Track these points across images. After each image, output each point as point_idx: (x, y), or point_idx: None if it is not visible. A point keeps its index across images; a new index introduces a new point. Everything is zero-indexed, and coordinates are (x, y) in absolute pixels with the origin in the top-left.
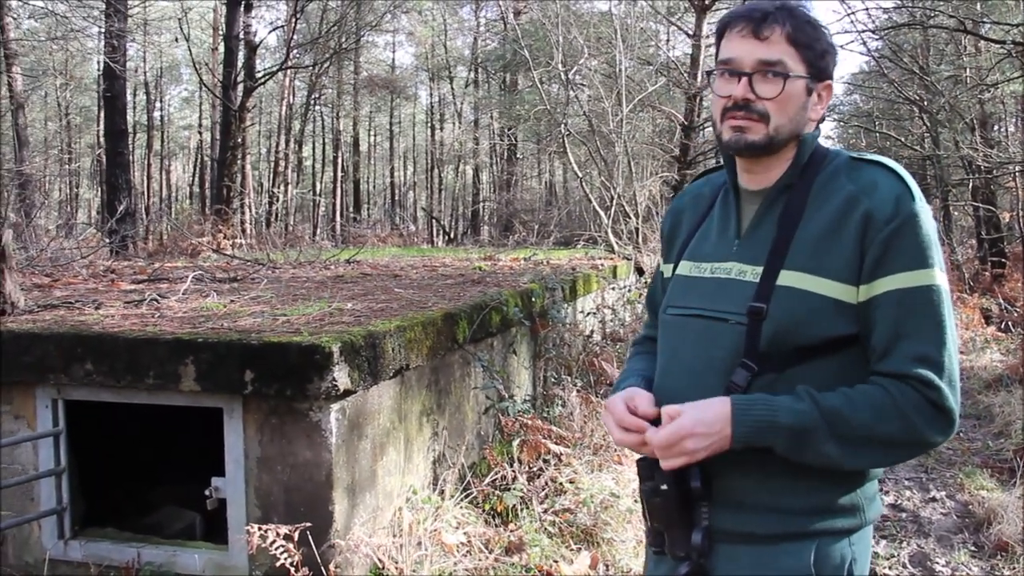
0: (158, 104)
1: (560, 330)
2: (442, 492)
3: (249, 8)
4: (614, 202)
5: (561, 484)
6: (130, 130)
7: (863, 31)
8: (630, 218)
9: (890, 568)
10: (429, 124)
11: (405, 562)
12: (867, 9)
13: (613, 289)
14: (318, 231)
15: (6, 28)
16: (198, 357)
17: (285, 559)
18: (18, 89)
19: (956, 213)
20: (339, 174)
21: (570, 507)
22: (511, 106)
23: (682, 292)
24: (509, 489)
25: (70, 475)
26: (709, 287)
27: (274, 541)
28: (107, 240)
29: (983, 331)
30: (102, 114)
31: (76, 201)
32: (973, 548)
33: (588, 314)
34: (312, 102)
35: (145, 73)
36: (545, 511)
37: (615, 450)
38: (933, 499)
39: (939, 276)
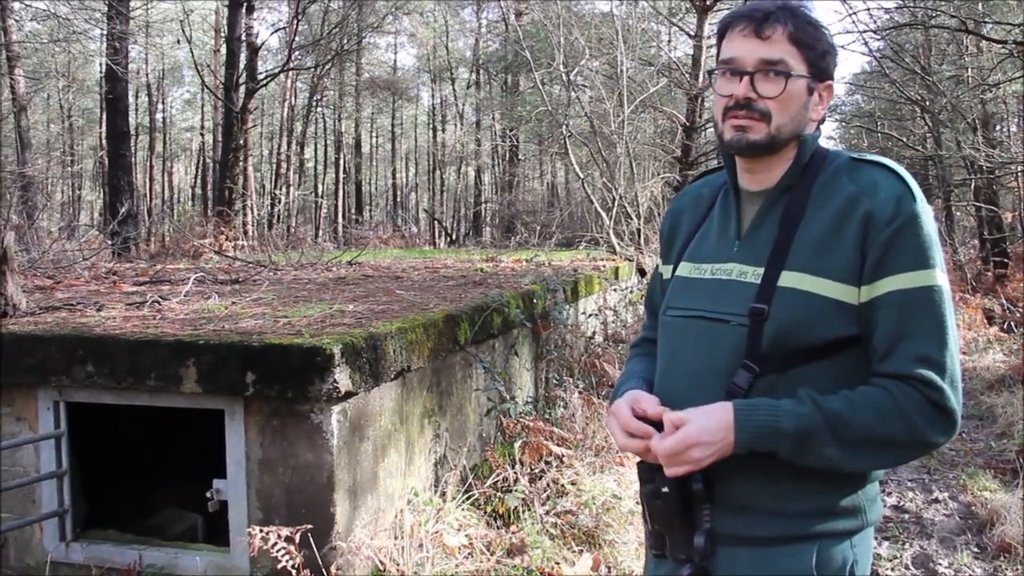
0: (160, 106)
1: (562, 331)
2: (444, 494)
3: (251, 10)
4: (616, 203)
5: (563, 486)
6: (132, 132)
7: (865, 31)
8: (632, 219)
9: (893, 569)
10: (431, 125)
11: (407, 564)
12: (868, 9)
13: (615, 290)
14: (320, 233)
15: (8, 30)
16: (199, 359)
17: (286, 561)
18: (20, 91)
19: (958, 213)
20: (341, 176)
21: (572, 509)
22: (513, 107)
23: (682, 293)
24: (511, 491)
25: (72, 477)
26: (710, 288)
27: (275, 543)
28: (109, 242)
29: (985, 331)
30: (104, 116)
31: (78, 203)
32: (976, 549)
33: (590, 315)
34: (314, 104)
35: (147, 75)
36: (547, 513)
37: (617, 452)
38: (936, 500)
39: (940, 276)
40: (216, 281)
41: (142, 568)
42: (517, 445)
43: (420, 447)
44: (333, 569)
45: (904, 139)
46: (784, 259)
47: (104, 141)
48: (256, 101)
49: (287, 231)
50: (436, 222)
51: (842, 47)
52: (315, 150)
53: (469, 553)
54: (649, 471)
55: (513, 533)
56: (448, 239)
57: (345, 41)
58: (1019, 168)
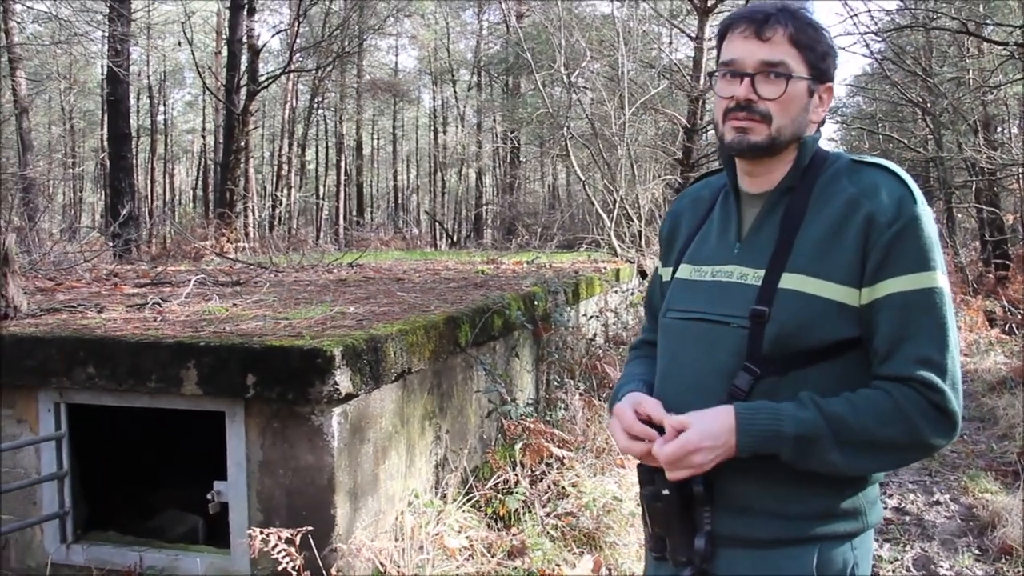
0: (161, 108)
1: (563, 333)
2: (444, 496)
3: (252, 12)
4: (617, 205)
5: (563, 488)
6: (133, 134)
7: (866, 33)
8: (633, 221)
9: (894, 572)
10: (432, 127)
11: (407, 566)
12: (869, 11)
13: (616, 292)
14: (321, 235)
15: (10, 32)
16: (200, 361)
17: (287, 563)
18: (22, 93)
19: (959, 215)
20: (342, 177)
21: (573, 511)
22: (514, 109)
23: (682, 295)
24: (511, 493)
25: (72, 479)
26: (710, 290)
27: (276, 545)
28: (110, 244)
29: (987, 333)
30: (105, 118)
31: (79, 205)
32: (977, 551)
33: (591, 317)
34: (315, 106)
35: (148, 77)
36: (547, 515)
37: (617, 454)
38: (937, 502)
39: (941, 278)
40: (217, 283)
41: (143, 570)
42: (518, 447)
43: (421, 449)
44: (334, 571)
45: (905, 141)
46: (785, 261)
47: (105, 143)
48: (257, 103)
49: (288, 233)
50: (437, 224)
51: (843, 49)
52: (316, 152)
53: (470, 555)
54: (649, 473)
55: (514, 535)
56: (449, 241)
57: (346, 43)
58: (1020, 170)
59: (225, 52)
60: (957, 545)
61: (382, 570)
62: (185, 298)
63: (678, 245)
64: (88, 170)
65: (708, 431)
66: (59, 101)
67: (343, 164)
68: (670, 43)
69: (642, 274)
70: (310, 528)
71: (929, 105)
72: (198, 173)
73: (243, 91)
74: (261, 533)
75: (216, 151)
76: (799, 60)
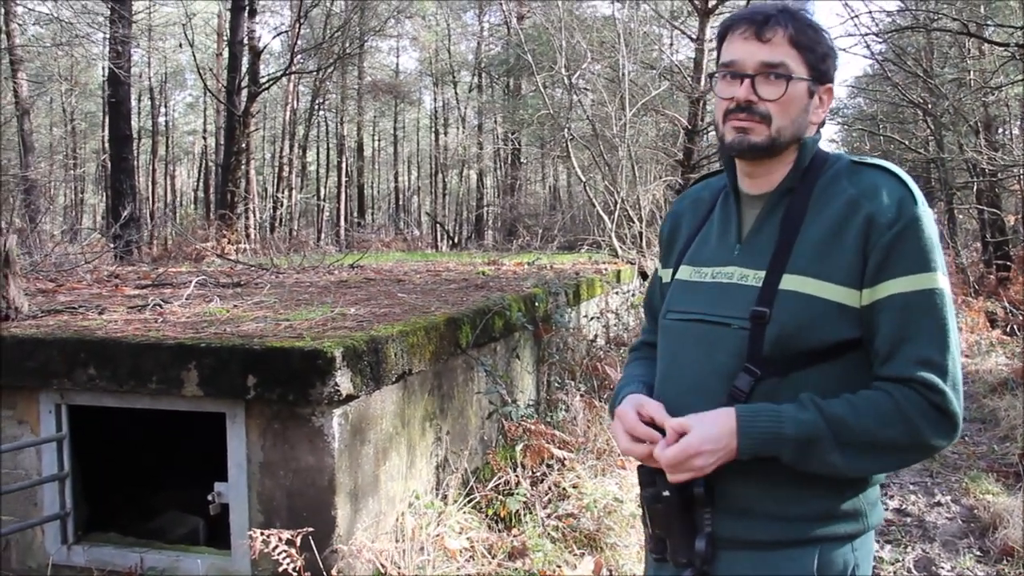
0: (163, 109)
1: (563, 335)
2: (445, 497)
3: (253, 13)
4: (618, 206)
5: (564, 489)
6: (135, 135)
7: (866, 34)
8: (634, 222)
9: (895, 573)
10: (433, 129)
11: (408, 567)
12: (870, 12)
13: (617, 293)
14: (322, 236)
15: (12, 34)
16: (201, 362)
17: (288, 564)
18: (23, 95)
19: (961, 216)
20: (343, 179)
21: (573, 512)
22: (515, 110)
23: (682, 297)
24: (512, 494)
25: (73, 480)
26: (710, 292)
27: (276, 546)
28: (111, 245)
29: (988, 334)
30: (107, 119)
31: (81, 206)
32: (978, 553)
33: (592, 319)
34: (316, 107)
35: (150, 78)
36: (548, 516)
37: (618, 455)
38: (938, 504)
39: (941, 279)
40: (218, 284)
41: (143, 571)
42: (518, 448)
43: (421, 450)
44: (334, 572)
45: (906, 142)
46: (785, 262)
47: (106, 145)
48: (258, 105)
49: (289, 234)
50: (438, 225)
51: (844, 50)
52: (317, 153)
53: (470, 556)
54: (650, 475)
55: (514, 536)
56: (450, 242)
57: (347, 45)
58: (1021, 171)
59: (226, 54)
60: (958, 546)
61: (383, 571)
62: (186, 299)
63: (678, 246)
64: (89, 172)
65: (709, 435)
66: (60, 103)
67: (344, 165)
68: (671, 44)
69: (643, 275)
70: (311, 529)
71: (930, 106)
72: (199, 175)
73: (244, 93)
74: (262, 534)
75: (217, 153)
76: (799, 61)
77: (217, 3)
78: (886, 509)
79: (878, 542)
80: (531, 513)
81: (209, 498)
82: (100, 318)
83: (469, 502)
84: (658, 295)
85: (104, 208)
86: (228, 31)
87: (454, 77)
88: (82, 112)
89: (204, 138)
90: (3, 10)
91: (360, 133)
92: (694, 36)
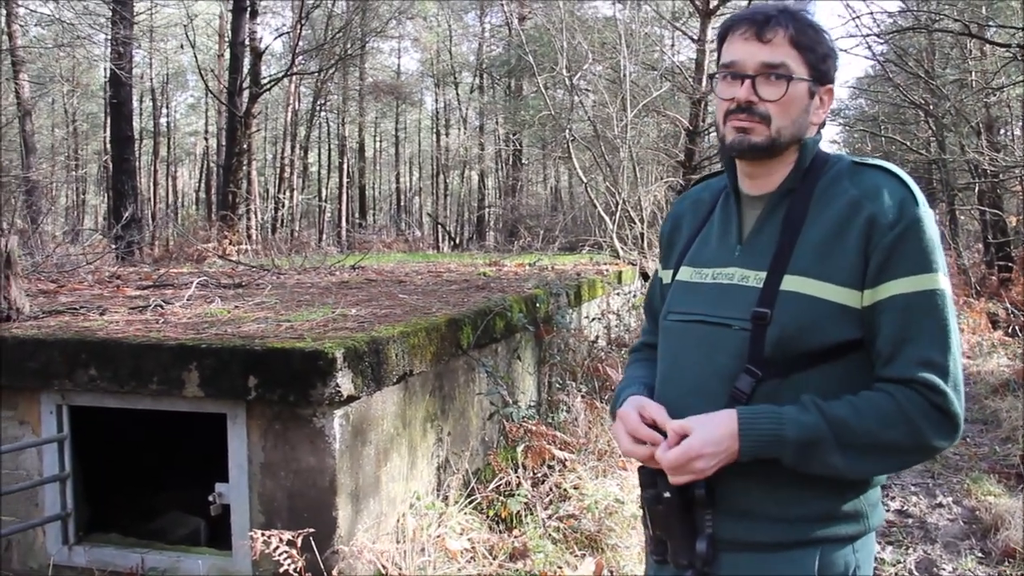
0: (164, 110)
1: (565, 336)
2: (446, 498)
3: (254, 15)
4: (619, 207)
5: (565, 490)
6: (136, 136)
7: (868, 35)
8: (635, 223)
9: (896, 574)
10: (434, 130)
11: (409, 568)
12: (872, 13)
13: (618, 295)
14: (323, 237)
15: (13, 35)
16: (201, 363)
17: (288, 565)
18: (25, 96)
19: (962, 217)
20: (345, 180)
21: (574, 513)
22: (516, 111)
23: (683, 298)
24: (513, 495)
25: (74, 481)
26: (711, 293)
27: (277, 547)
28: (113, 246)
29: (990, 335)
30: (108, 121)
31: (82, 207)
32: (980, 554)
33: (593, 320)
34: (318, 108)
35: (151, 80)
36: (549, 517)
37: (619, 456)
38: (940, 505)
39: (943, 280)
40: (219, 285)
41: (144, 571)
42: (520, 449)
43: (423, 451)
44: (335, 573)
45: (908, 143)
46: (786, 263)
47: (108, 145)
48: (260, 106)
49: (290, 235)
50: (440, 226)
51: (845, 51)
52: (319, 154)
53: (471, 557)
54: (651, 476)
55: (515, 537)
56: (451, 243)
57: (349, 46)
58: (1023, 172)
59: (227, 55)
60: (960, 548)
61: (384, 572)
62: (187, 300)
63: (678, 247)
64: (91, 173)
65: (710, 437)
66: (62, 104)
67: (345, 166)
68: (672, 45)
69: (644, 276)
70: (311, 530)
71: (932, 107)
72: (201, 176)
73: (245, 94)
74: (263, 535)
75: (219, 154)
76: (800, 62)
77: (218, 4)
78: (887, 510)
79: (879, 543)
80: (532, 514)
81: (210, 499)
82: (101, 319)
83: (470, 503)
84: (658, 296)
85: (106, 209)
86: (229, 32)
87: (455, 78)
88: (84, 113)
89: (206, 139)
90: (5, 11)
91: (361, 134)
92: (695, 37)
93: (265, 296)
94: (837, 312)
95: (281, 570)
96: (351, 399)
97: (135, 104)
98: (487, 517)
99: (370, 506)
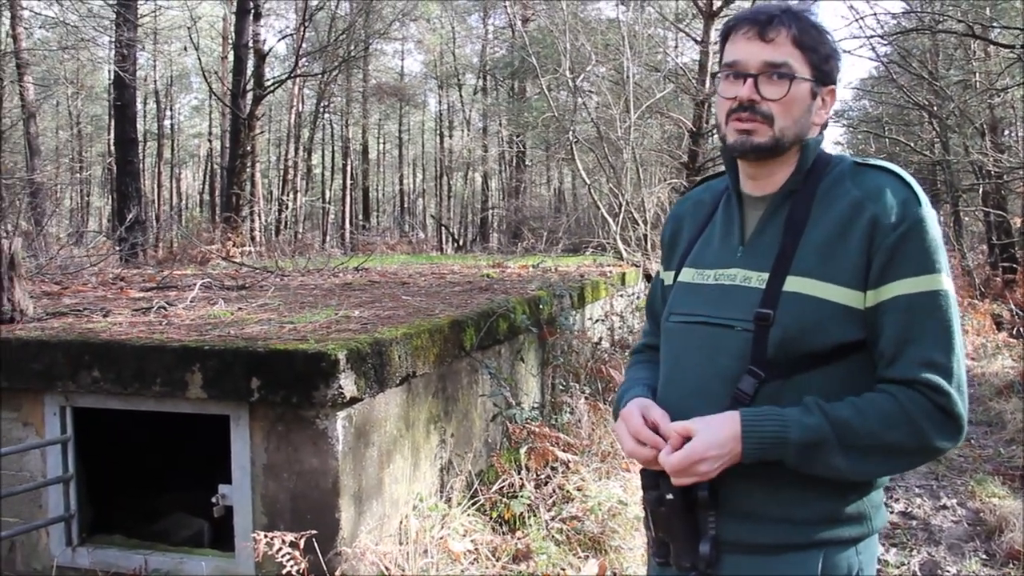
0: (168, 113)
1: (568, 337)
2: (449, 500)
3: (258, 17)
4: (622, 209)
5: (569, 491)
6: (140, 139)
7: (872, 36)
8: (638, 225)
9: None
10: (438, 131)
11: (411, 570)
12: (875, 14)
13: (621, 296)
14: (327, 239)
15: (18, 38)
16: (205, 364)
17: (291, 566)
18: (30, 98)
19: (967, 219)
20: (348, 182)
21: (578, 515)
22: (519, 113)
23: (685, 299)
24: (516, 496)
25: (78, 482)
26: (713, 294)
27: (280, 548)
28: (117, 248)
29: (994, 337)
30: (112, 123)
31: (87, 209)
32: (984, 556)
33: (596, 321)
34: (321, 110)
35: (155, 82)
36: (552, 519)
37: (623, 457)
38: (944, 507)
39: (946, 281)
40: (222, 287)
41: (148, 573)
42: (523, 451)
43: (426, 453)
44: (338, 574)
45: (912, 144)
46: (789, 264)
47: (112, 147)
48: (263, 107)
49: (294, 237)
50: (443, 228)
51: (849, 52)
52: (322, 156)
53: (474, 559)
54: (653, 478)
55: (519, 539)
56: (455, 245)
57: (352, 47)
58: None
59: (231, 57)
60: (964, 550)
61: (386, 573)
62: (190, 302)
63: (680, 248)
64: (95, 174)
65: (714, 440)
66: (66, 106)
67: (349, 168)
68: (675, 47)
69: (648, 278)
70: (314, 532)
71: (936, 108)
72: (205, 177)
73: (249, 96)
74: (265, 536)
75: (223, 155)
76: (802, 62)
77: (222, 6)
78: (891, 512)
79: (883, 545)
80: (535, 516)
81: (213, 500)
82: (105, 320)
83: (473, 504)
84: (660, 298)
85: (110, 211)
86: (233, 34)
87: (459, 80)
88: (88, 115)
89: (209, 141)
90: (9, 14)
91: (365, 136)
92: (698, 38)
93: (268, 298)
94: (840, 313)
95: (284, 572)
96: (354, 401)
97: (139, 106)
98: (490, 519)
99: (373, 508)
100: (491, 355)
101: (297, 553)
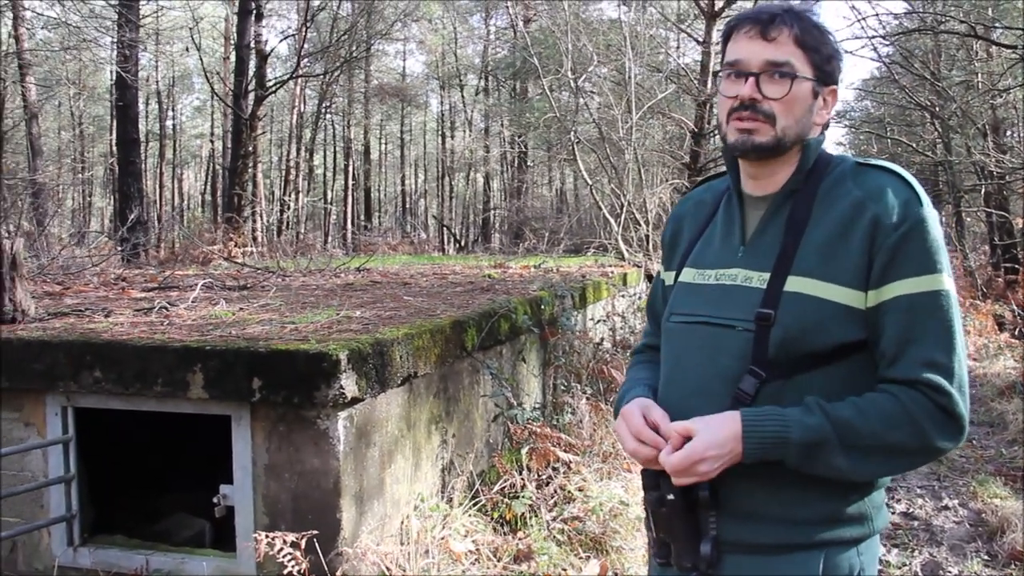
0: (170, 113)
1: (570, 338)
2: (450, 500)
3: (260, 17)
4: (624, 209)
5: (570, 492)
6: (142, 139)
7: (874, 37)
8: (640, 225)
9: None
10: (440, 132)
11: (413, 570)
12: (877, 15)
13: (623, 296)
14: (329, 239)
15: (20, 39)
16: (206, 364)
17: (292, 566)
18: (32, 99)
19: (969, 219)
20: (350, 182)
21: (579, 515)
22: (521, 114)
23: (686, 299)
24: (518, 497)
25: (79, 482)
26: (714, 294)
27: (281, 549)
28: (119, 248)
29: (996, 338)
30: (114, 123)
31: (89, 210)
32: (986, 557)
33: (598, 321)
34: (323, 110)
35: (157, 82)
36: (554, 519)
37: (624, 458)
38: (946, 507)
39: (947, 281)
40: (224, 287)
41: (149, 573)
42: (524, 451)
43: (427, 453)
44: (339, 575)
45: (914, 145)
46: (790, 264)
47: (114, 148)
48: (265, 108)
49: (296, 237)
50: (445, 228)
51: (851, 53)
52: (324, 157)
53: (476, 559)
54: (654, 478)
55: (520, 539)
56: (457, 245)
57: (354, 48)
58: None
59: (233, 57)
60: (966, 551)
61: (387, 574)
62: (192, 302)
63: (681, 249)
64: (97, 175)
65: (714, 439)
66: (68, 106)
67: (351, 169)
68: (677, 47)
69: (649, 278)
70: (315, 532)
71: (938, 109)
72: (206, 178)
73: (251, 96)
74: (267, 537)
75: (224, 156)
76: (804, 61)
77: (224, 7)
78: (893, 513)
79: (884, 546)
80: (536, 516)
81: (214, 500)
82: (106, 321)
83: (474, 505)
84: (660, 298)
85: (112, 211)
86: (235, 35)
87: (461, 80)
88: (90, 116)
89: (211, 141)
90: (11, 14)
91: (367, 136)
92: (700, 39)
93: (270, 298)
94: (841, 313)
95: (285, 572)
96: (355, 401)
97: (141, 107)
98: (491, 519)
99: (374, 508)
100: (493, 355)
101: (298, 553)
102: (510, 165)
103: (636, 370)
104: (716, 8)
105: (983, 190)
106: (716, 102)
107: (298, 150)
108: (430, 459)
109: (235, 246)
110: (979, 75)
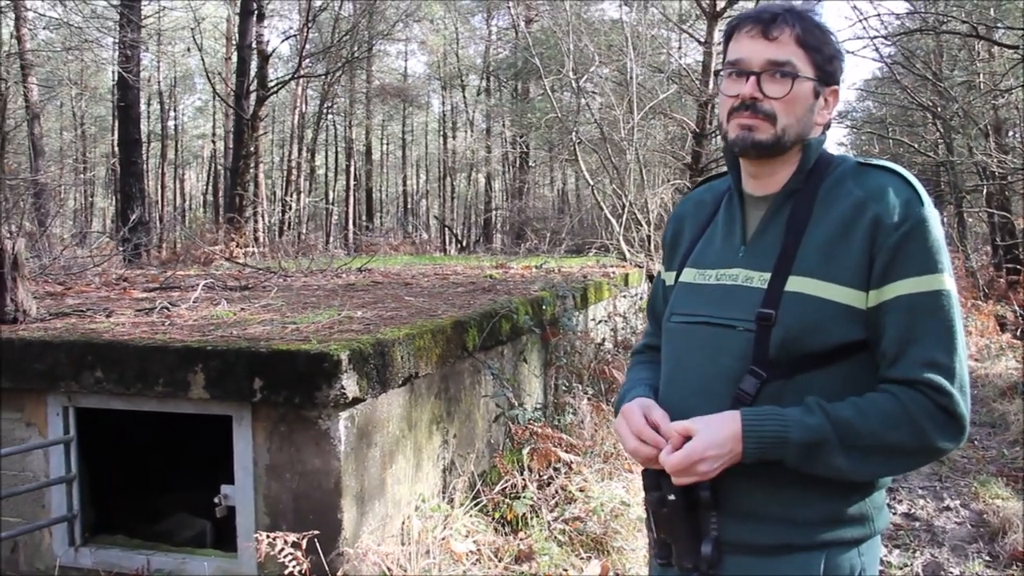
0: (172, 113)
1: (571, 338)
2: (452, 500)
3: (262, 18)
4: (626, 210)
5: (571, 492)
6: (144, 139)
7: (875, 37)
8: (642, 226)
9: None
10: (441, 132)
11: (414, 570)
12: (879, 15)
13: (625, 297)
14: (330, 239)
15: (22, 39)
16: (207, 365)
17: (293, 567)
18: (34, 99)
19: (970, 219)
20: (351, 182)
21: (580, 515)
22: (523, 114)
23: (687, 299)
24: (519, 497)
25: (81, 482)
26: (715, 294)
27: (283, 549)
28: (120, 249)
29: (998, 338)
30: (116, 124)
31: (90, 210)
32: (988, 558)
33: (599, 322)
34: (324, 111)
35: (159, 83)
36: (555, 519)
37: (625, 458)
38: (947, 508)
39: (948, 281)
40: (225, 287)
41: (150, 573)
42: (526, 451)
43: (428, 453)
44: (340, 575)
45: (916, 145)
46: (791, 264)
47: (116, 148)
48: (267, 108)
49: (297, 238)
50: (446, 229)
51: (853, 53)
52: (326, 157)
53: (477, 559)
54: (655, 478)
55: (521, 540)
56: (458, 246)
57: (355, 48)
58: None
59: (235, 58)
60: (967, 551)
61: (388, 574)
62: (193, 302)
63: (681, 249)
64: (99, 175)
65: (714, 439)
66: (70, 107)
67: (352, 169)
68: (679, 48)
69: (651, 278)
70: (316, 532)
71: (939, 109)
72: (208, 178)
73: (253, 96)
74: (268, 537)
75: (226, 156)
76: (805, 61)
77: (226, 7)
78: (894, 513)
79: (886, 546)
80: (538, 516)
81: (215, 501)
82: (108, 321)
83: (476, 505)
84: (661, 298)
85: (113, 212)
86: (237, 35)
87: (462, 81)
88: (92, 116)
89: (213, 142)
90: (13, 15)
91: (368, 137)
92: (702, 39)
93: (271, 298)
94: (842, 313)
95: (286, 572)
96: (356, 401)
97: (143, 107)
98: (493, 519)
99: (375, 508)
100: (494, 356)
101: (299, 553)
102: (512, 165)
103: (637, 370)
104: (718, 8)
105: (985, 190)
106: (718, 102)
107: (300, 150)
108: (431, 459)
109: (236, 246)
110: (981, 75)
